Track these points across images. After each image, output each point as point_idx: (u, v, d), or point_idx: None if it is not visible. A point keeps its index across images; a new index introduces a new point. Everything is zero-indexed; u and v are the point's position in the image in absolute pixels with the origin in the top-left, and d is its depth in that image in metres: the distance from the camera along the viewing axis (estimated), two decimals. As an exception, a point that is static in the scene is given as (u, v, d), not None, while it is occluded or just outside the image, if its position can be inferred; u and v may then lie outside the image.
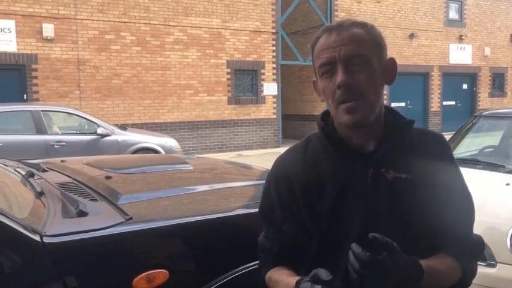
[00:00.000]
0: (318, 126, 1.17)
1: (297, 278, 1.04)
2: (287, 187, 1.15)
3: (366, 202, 1.07)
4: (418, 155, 1.11)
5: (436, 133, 1.20)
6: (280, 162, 1.21)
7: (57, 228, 1.41)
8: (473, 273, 1.14)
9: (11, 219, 1.31)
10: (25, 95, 10.33)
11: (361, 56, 1.05)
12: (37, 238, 1.31)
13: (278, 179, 1.18)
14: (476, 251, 1.17)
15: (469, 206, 1.16)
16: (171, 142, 8.83)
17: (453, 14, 17.30)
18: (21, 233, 1.29)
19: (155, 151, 8.33)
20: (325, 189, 1.10)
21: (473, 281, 1.15)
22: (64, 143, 7.73)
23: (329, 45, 1.07)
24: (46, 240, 1.32)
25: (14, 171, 2.18)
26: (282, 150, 1.31)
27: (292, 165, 1.16)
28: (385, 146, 1.09)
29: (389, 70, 1.12)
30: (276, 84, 13.55)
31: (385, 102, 1.13)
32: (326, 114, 1.18)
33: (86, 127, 8.32)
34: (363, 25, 1.10)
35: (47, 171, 2.32)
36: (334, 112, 1.09)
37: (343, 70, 1.05)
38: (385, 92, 12.63)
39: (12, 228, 1.28)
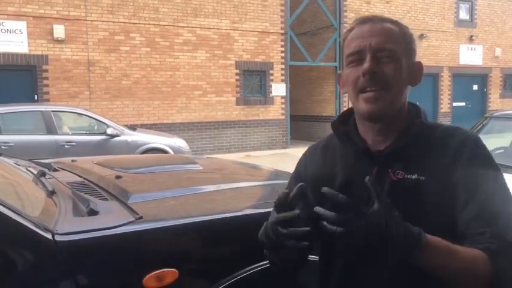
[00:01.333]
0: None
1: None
2: (305, 176, 1.22)
3: (367, 200, 1.07)
4: (439, 155, 1.06)
5: (466, 132, 1.10)
6: (304, 153, 1.29)
7: (68, 226, 1.43)
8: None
9: (24, 217, 1.33)
10: (36, 96, 10.44)
11: (391, 50, 1.05)
12: (49, 236, 1.32)
13: (298, 171, 1.26)
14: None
15: (498, 201, 1.01)
16: (179, 143, 8.86)
17: (463, 15, 17.16)
18: (34, 231, 1.31)
19: (164, 151, 8.37)
20: (334, 182, 1.14)
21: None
22: (74, 143, 7.79)
23: (361, 35, 1.07)
24: (58, 238, 1.33)
25: (26, 170, 2.21)
26: (290, 151, 1.37)
27: (311, 157, 1.24)
28: (394, 147, 1.08)
29: (416, 72, 1.12)
30: (285, 85, 13.54)
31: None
32: (349, 111, 1.20)
33: (96, 127, 8.38)
34: (397, 23, 1.10)
35: (58, 170, 2.35)
36: (354, 101, 1.10)
37: (371, 59, 1.05)
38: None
39: (25, 226, 1.30)
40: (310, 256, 1.17)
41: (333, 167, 1.16)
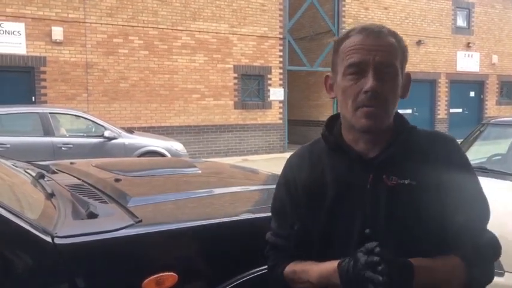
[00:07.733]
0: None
1: (334, 262, 1.07)
2: (295, 189, 1.20)
3: (365, 207, 1.10)
4: (426, 159, 1.11)
5: (446, 136, 1.20)
6: (288, 164, 1.27)
7: (68, 229, 1.42)
8: (487, 275, 1.12)
9: (23, 219, 1.33)
10: (33, 97, 10.42)
11: (392, 66, 1.08)
12: (48, 239, 1.32)
13: (287, 181, 1.24)
14: (487, 252, 1.13)
15: (482, 208, 1.15)
16: (177, 146, 8.86)
17: (461, 22, 17.27)
18: (33, 233, 1.30)
19: (161, 155, 8.36)
20: (326, 193, 1.14)
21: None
22: (71, 146, 7.78)
23: (364, 47, 1.07)
24: (57, 241, 1.33)
25: (24, 172, 2.20)
26: (287, 155, 1.35)
27: (298, 169, 1.22)
28: (387, 153, 1.10)
29: (405, 84, 1.15)
30: (283, 89, 13.56)
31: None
32: (333, 119, 1.21)
33: (93, 130, 8.36)
34: (395, 35, 1.12)
35: (56, 173, 2.34)
36: (351, 114, 1.10)
37: (374, 76, 1.05)
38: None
39: (24, 228, 1.29)
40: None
41: (322, 175, 1.16)
